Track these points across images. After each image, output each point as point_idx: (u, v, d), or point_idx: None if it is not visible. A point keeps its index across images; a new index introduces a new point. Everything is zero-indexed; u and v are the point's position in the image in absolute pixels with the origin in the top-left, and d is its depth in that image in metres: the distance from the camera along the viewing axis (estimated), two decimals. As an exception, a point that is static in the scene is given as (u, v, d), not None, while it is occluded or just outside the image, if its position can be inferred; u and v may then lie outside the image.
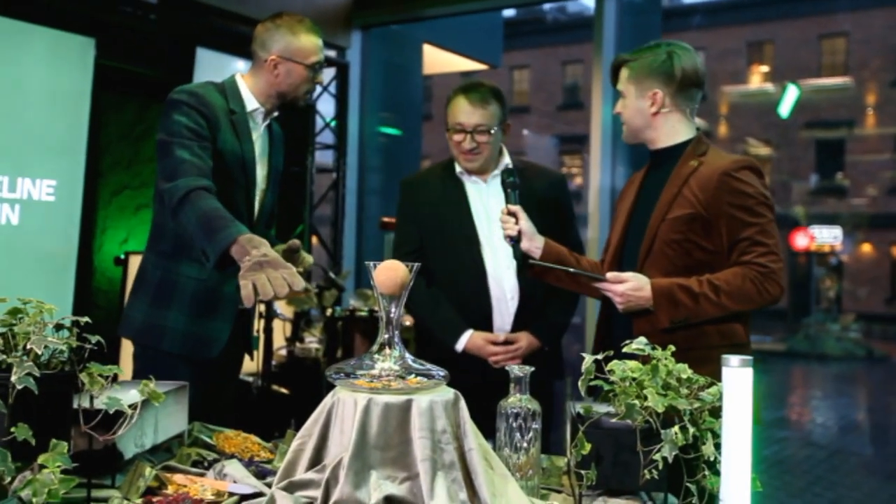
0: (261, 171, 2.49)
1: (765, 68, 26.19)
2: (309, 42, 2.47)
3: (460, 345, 2.67)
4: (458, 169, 2.79)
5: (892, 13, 23.25)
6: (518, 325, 2.71)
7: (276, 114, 2.56)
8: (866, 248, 24.42)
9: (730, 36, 26.31)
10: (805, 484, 6.03)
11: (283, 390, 3.89)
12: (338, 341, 3.59)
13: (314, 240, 5.77)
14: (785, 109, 13.33)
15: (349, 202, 5.78)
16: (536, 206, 2.61)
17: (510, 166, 2.76)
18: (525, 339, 2.70)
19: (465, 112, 2.68)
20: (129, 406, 1.44)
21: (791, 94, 13.66)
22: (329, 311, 3.74)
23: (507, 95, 2.81)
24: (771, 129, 24.82)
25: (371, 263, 1.52)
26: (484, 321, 2.70)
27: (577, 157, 27.32)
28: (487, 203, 2.76)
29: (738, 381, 1.24)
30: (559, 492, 1.64)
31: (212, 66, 4.71)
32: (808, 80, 23.61)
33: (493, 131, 2.69)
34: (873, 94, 24.26)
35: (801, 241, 23.47)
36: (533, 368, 1.64)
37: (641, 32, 5.89)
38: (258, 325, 3.86)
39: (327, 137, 5.82)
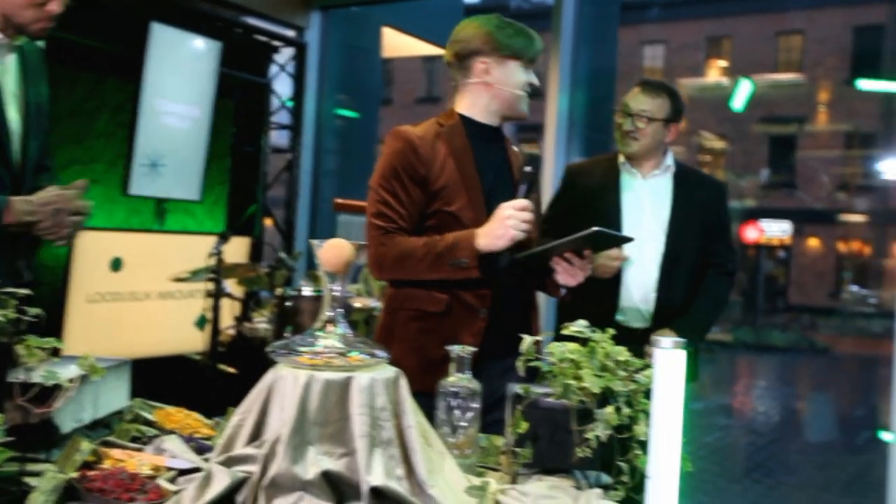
0: (14, 115, 2.07)
1: (723, 63, 26.52)
2: None
3: None
4: (620, 160, 2.83)
5: (847, 13, 23.69)
6: (659, 322, 2.71)
7: (20, 41, 2.09)
8: (813, 242, 24.95)
9: (689, 30, 26.57)
10: (745, 470, 6.18)
11: (231, 370, 3.88)
12: (286, 321, 3.59)
13: (268, 221, 5.74)
14: (738, 103, 13.54)
15: (303, 183, 5.75)
16: (699, 214, 2.74)
17: (672, 166, 2.81)
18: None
19: (633, 98, 2.79)
20: (68, 380, 1.43)
21: (744, 88, 13.86)
22: (279, 292, 3.74)
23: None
24: (726, 123, 25.15)
25: (316, 241, 1.53)
26: (607, 316, 2.65)
27: (535, 146, 27.36)
28: (640, 197, 2.79)
29: (669, 362, 1.27)
30: (497, 470, 1.67)
31: (167, 42, 4.65)
32: (764, 75, 23.96)
33: (653, 120, 2.75)
34: (826, 91, 24.72)
35: (751, 233, 23.91)
36: (476, 349, 1.66)
37: (600, 23, 5.94)
38: (205, 304, 3.84)
39: (283, 118, 5.78)
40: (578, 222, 2.46)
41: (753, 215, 24.07)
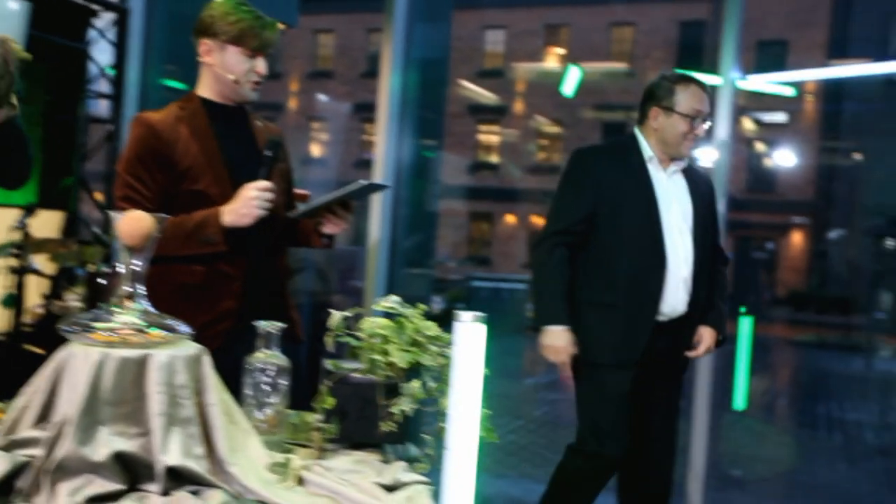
0: None
1: (561, 50, 27.44)
2: None
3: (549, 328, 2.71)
4: (647, 154, 2.75)
5: (673, 8, 25.06)
6: (690, 311, 2.75)
7: None
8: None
9: (529, 16, 27.35)
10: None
11: (38, 350, 3.66)
12: (99, 299, 3.41)
13: (98, 195, 5.43)
14: (568, 89, 14.00)
15: (126, 156, 5.47)
16: (707, 207, 2.80)
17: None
18: (709, 335, 2.80)
19: (703, 99, 2.74)
20: None
21: (573, 75, 14.34)
22: (92, 269, 3.55)
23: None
24: (561, 108, 26.08)
25: (114, 213, 1.46)
26: (650, 310, 2.69)
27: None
28: (667, 192, 2.74)
29: (469, 335, 1.29)
30: (307, 446, 1.65)
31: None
32: (597, 63, 24.97)
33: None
34: (653, 81, 26.08)
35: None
36: (286, 325, 1.64)
37: (435, 4, 5.98)
38: (9, 281, 3.59)
39: (103, 87, 5.46)
40: (609, 212, 2.70)
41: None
